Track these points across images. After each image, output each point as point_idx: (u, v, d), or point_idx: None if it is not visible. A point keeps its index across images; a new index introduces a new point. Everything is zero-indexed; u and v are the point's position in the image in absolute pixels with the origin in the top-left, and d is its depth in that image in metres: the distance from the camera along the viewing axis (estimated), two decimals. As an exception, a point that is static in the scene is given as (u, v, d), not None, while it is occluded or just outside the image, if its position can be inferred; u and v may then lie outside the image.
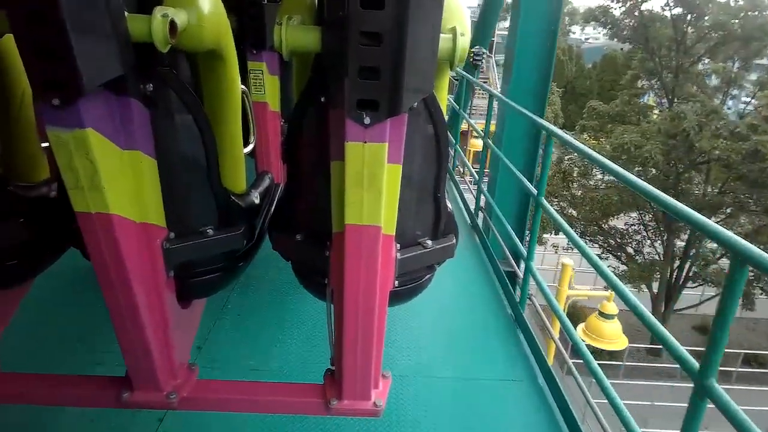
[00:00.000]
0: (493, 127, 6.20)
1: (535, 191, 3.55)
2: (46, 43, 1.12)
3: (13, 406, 2.20)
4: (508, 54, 6.11)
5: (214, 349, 2.89)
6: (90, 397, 1.99)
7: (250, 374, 2.74)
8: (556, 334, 3.62)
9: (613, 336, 6.59)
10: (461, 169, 7.58)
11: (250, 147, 1.99)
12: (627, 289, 2.30)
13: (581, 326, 6.80)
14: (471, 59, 7.39)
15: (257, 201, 1.95)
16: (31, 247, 1.79)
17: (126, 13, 1.24)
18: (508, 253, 4.75)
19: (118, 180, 1.43)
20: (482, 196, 5.65)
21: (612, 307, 6.24)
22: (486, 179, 6.50)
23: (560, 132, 3.45)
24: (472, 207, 5.80)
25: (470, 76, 7.45)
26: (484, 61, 7.45)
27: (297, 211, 1.83)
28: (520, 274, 4.04)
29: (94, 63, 1.19)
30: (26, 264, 1.84)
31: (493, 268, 4.49)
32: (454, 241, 1.88)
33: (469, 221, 5.68)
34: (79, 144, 1.28)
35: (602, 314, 6.71)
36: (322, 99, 1.52)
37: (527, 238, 4.39)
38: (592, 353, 2.68)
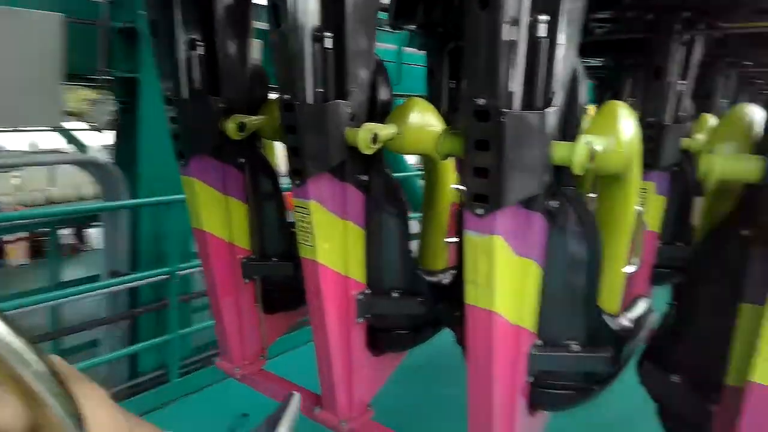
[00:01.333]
0: None
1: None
2: (486, 165, 1.34)
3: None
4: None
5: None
6: None
7: None
8: None
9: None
10: None
11: (633, 269, 1.90)
12: None
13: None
14: None
15: (629, 325, 1.82)
16: (420, 322, 2.11)
17: (552, 141, 1.40)
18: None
19: (507, 283, 1.55)
20: None
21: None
22: None
23: None
24: None
25: None
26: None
27: (679, 348, 1.62)
28: None
29: (519, 183, 1.36)
30: (412, 335, 2.17)
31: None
32: None
33: None
34: (486, 247, 1.46)
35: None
36: (745, 233, 1.34)
37: None
38: None
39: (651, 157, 2.44)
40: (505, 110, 1.26)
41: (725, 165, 1.28)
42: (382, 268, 2.04)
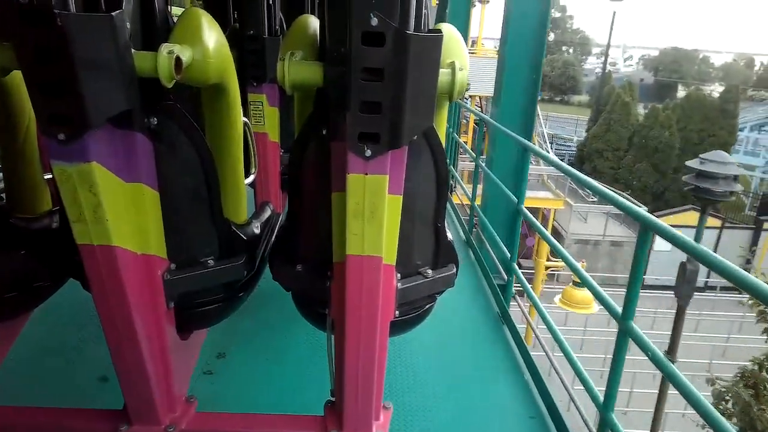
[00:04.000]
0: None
1: (515, 200, 3.99)
2: (53, 80, 1.15)
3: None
4: (497, 83, 7.38)
5: (212, 381, 2.85)
6: (88, 430, 1.96)
7: (249, 406, 2.70)
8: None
9: (585, 301, 9.75)
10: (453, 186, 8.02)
11: (251, 178, 2.01)
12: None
13: (558, 297, 10.13)
14: None
15: (258, 231, 1.95)
16: (31, 279, 1.79)
17: (133, 51, 1.28)
18: (500, 266, 4.86)
19: (121, 212, 1.44)
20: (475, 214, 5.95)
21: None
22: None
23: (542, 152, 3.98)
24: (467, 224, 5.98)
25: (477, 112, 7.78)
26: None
27: (298, 242, 1.84)
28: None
29: (101, 98, 1.22)
30: (26, 296, 1.83)
31: (487, 283, 4.59)
32: (455, 270, 1.89)
33: (464, 237, 5.82)
34: (83, 178, 1.30)
35: (576, 283, 9.41)
36: (324, 132, 1.54)
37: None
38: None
39: (258, 71, 2.57)
40: (60, 11, 1.07)
41: (293, 72, 1.43)
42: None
